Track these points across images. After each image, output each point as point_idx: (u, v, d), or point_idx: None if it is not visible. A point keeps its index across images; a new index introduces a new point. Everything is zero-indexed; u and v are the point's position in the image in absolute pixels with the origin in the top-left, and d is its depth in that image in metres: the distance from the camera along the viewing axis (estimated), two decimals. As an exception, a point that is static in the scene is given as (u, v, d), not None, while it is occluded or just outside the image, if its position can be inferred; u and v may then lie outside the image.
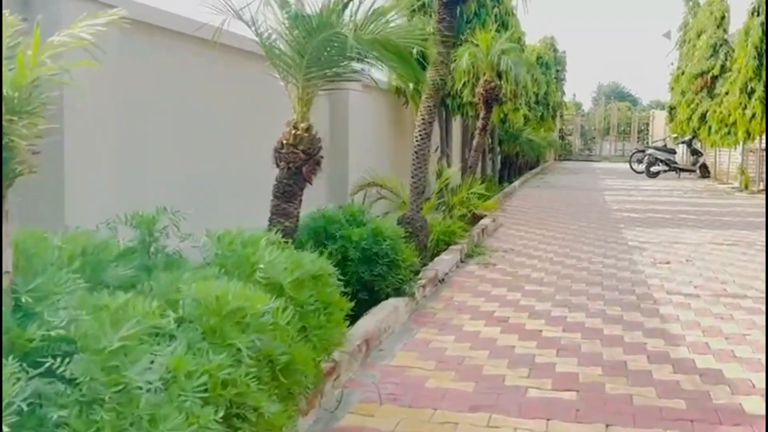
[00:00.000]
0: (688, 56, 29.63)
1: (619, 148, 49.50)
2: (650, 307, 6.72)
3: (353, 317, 5.56)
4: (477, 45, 11.18)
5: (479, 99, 11.03)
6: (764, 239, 10.88)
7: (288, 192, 4.64)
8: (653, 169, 28.16)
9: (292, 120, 4.76)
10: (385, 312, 5.60)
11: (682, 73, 29.36)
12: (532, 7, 28.02)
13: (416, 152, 7.44)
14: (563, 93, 39.09)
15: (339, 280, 5.78)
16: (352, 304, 5.50)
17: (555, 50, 34.04)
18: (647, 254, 9.73)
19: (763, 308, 6.62)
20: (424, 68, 12.77)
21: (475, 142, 11.23)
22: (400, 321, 5.86)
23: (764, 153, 20.81)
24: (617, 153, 48.27)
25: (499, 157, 22.89)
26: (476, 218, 11.56)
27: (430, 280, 6.97)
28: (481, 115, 11.15)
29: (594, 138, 52.18)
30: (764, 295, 7.15)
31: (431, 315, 6.23)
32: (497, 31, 12.93)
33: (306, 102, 4.63)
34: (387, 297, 5.98)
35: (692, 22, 30.13)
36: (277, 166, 4.75)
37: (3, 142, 1.98)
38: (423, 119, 7.41)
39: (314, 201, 10.00)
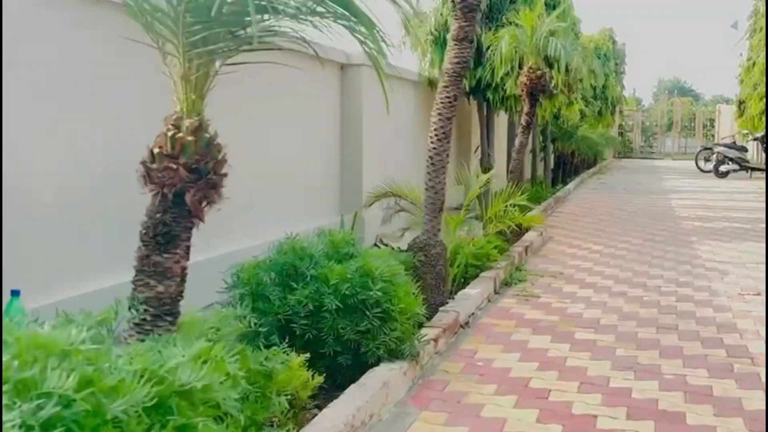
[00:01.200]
0: (759, 46, 27.27)
1: (682, 145, 46.87)
2: (748, 369, 4.90)
3: (327, 392, 3.92)
4: (520, 26, 9.37)
5: (522, 90, 9.22)
6: None
7: (163, 235, 2.89)
8: (722, 168, 25.86)
9: (171, 114, 3.00)
10: (369, 392, 3.89)
11: (753, 64, 27.00)
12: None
13: (431, 157, 5.73)
14: (623, 87, 36.83)
15: (308, 340, 4.17)
16: (320, 379, 3.88)
17: (614, 42, 31.81)
18: (730, 280, 7.85)
19: None
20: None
21: (517, 142, 9.42)
22: (394, 400, 4.15)
23: None
24: (680, 150, 45.66)
25: (552, 157, 20.99)
26: (520, 232, 9.78)
27: (447, 328, 5.23)
28: (525, 109, 9.34)
29: (655, 134, 49.61)
30: None
31: (441, 386, 4.50)
32: (546, 12, 11.13)
33: (195, 85, 2.90)
34: (378, 361, 4.28)
35: (763, 10, 27.73)
36: (148, 189, 2.97)
37: None
38: (440, 114, 5.69)
39: (324, 214, 8.60)
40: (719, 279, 7.89)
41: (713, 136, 42.57)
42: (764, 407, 4.16)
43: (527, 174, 18.54)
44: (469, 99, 12.20)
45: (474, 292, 6.26)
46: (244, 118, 6.62)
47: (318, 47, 4.13)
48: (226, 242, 6.18)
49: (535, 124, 17.73)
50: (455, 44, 5.60)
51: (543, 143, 19.12)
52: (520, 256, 8.42)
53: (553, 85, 12.24)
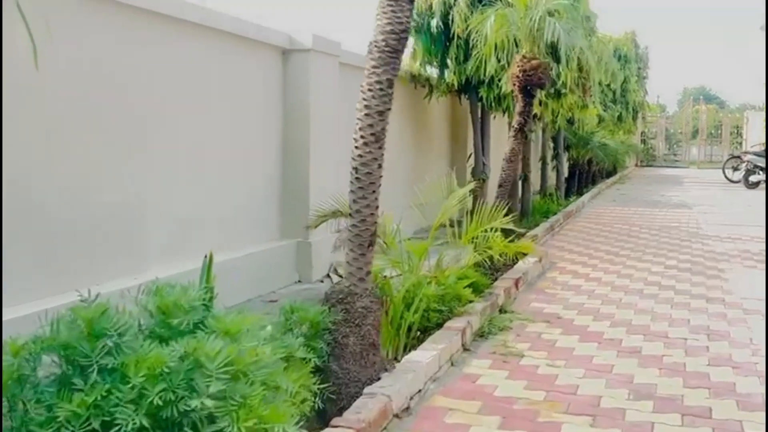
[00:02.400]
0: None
1: (708, 153, 44.71)
2: None
3: None
4: (512, 5, 7.60)
5: (513, 84, 7.43)
6: None
7: None
8: (752, 178, 23.88)
9: None
10: None
11: (784, 68, 25.08)
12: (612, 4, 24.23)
13: (356, 169, 4.01)
14: (645, 92, 34.91)
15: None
16: None
17: (636, 45, 29.90)
18: (777, 329, 6.06)
19: None
20: (449, 41, 9.35)
21: (508, 149, 7.60)
22: None
23: None
24: (706, 158, 43.53)
25: (567, 166, 19.18)
26: (513, 259, 8.06)
27: (364, 429, 3.48)
28: (517, 109, 7.53)
29: (680, 142, 47.52)
30: None
31: None
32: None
33: None
34: None
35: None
36: None
37: None
38: (367, 108, 3.97)
39: (258, 238, 6.57)
40: (762, 326, 6.09)
41: (740, 144, 40.49)
42: None
43: (536, 185, 16.77)
44: (460, 98, 10.47)
45: (425, 358, 4.50)
46: (146, 111, 4.98)
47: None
48: (94, 280, 4.48)
49: (548, 130, 15.95)
50: (388, 4, 3.86)
51: (555, 151, 17.34)
52: (508, 293, 6.66)
53: (561, 82, 10.56)
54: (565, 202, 16.28)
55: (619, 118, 24.38)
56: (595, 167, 22.46)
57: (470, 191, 9.71)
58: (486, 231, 6.16)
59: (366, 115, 3.93)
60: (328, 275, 6.91)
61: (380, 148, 3.94)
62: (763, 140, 29.17)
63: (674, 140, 49.41)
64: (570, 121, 18.48)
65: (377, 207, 4.11)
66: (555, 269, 8.55)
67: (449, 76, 9.43)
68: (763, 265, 8.93)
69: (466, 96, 10.24)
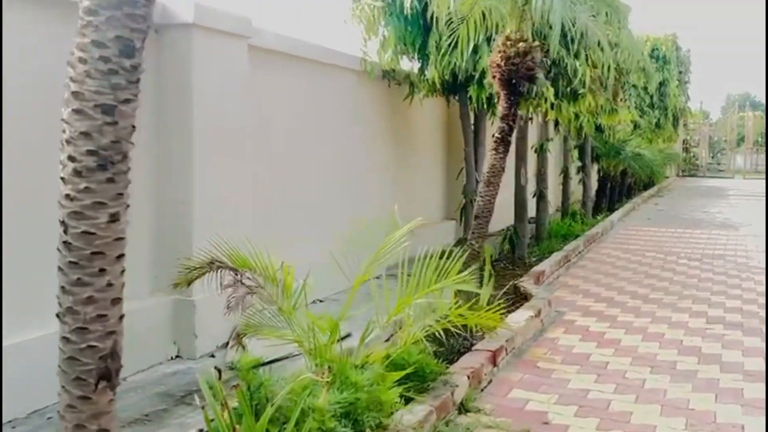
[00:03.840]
0: None
1: (754, 162, 41.93)
2: None
3: None
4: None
5: (494, 76, 5.29)
6: None
7: None
8: (806, 191, 21.44)
9: None
10: None
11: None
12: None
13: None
14: (687, 98, 32.49)
15: None
16: None
17: (677, 48, 27.55)
18: None
19: None
20: (428, 30, 7.31)
21: (486, 165, 5.42)
22: None
23: None
24: (752, 168, 40.80)
25: (596, 178, 17.00)
26: (511, 303, 6.07)
27: None
28: (500, 110, 5.37)
29: (724, 150, 44.83)
30: None
31: None
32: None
33: None
34: None
35: None
36: None
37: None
38: (79, 99, 1.92)
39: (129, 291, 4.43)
40: None
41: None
42: None
43: (556, 202, 14.62)
44: (448, 98, 8.40)
45: None
46: None
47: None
48: None
49: (570, 139, 13.78)
50: None
51: (582, 162, 15.17)
52: (476, 377, 4.58)
53: (578, 80, 8.53)
54: (591, 221, 14.12)
55: (657, 124, 22.11)
56: (631, 179, 20.24)
57: (459, 214, 7.66)
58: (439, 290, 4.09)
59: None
60: (226, 345, 4.87)
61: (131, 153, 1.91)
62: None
63: (718, 148, 46.78)
64: (599, 128, 16.36)
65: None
66: (560, 324, 6.45)
67: (431, 70, 7.39)
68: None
69: (456, 96, 8.17)
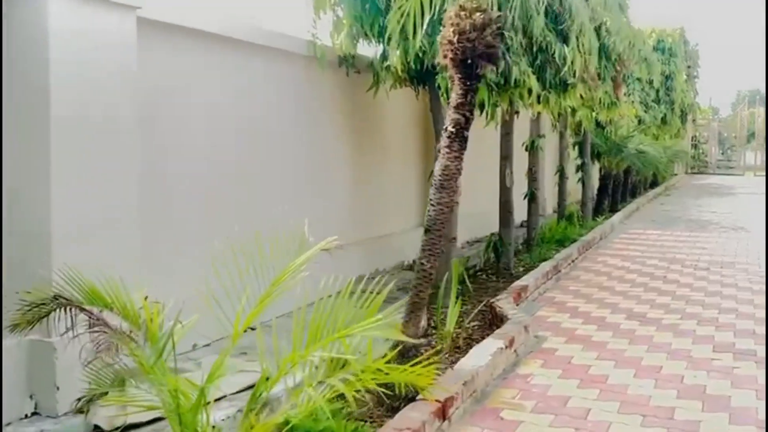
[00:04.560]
0: None
1: (764, 159, 40.70)
2: None
3: None
4: None
5: (444, 56, 4.22)
6: None
7: None
8: (821, 190, 20.32)
9: None
10: None
11: None
12: None
13: None
14: (696, 93, 31.36)
15: None
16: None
17: (686, 42, 26.46)
18: None
19: None
20: (388, 9, 6.26)
21: (437, 167, 4.32)
22: None
23: None
24: (762, 164, 39.56)
25: (598, 177, 15.96)
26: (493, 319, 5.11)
27: None
28: (453, 98, 4.29)
29: (734, 147, 43.62)
30: None
31: None
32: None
33: None
34: None
35: None
36: None
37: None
38: None
39: None
40: None
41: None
42: None
43: (554, 203, 13.57)
44: (417, 89, 7.39)
45: None
46: None
47: None
48: None
49: (566, 135, 12.72)
50: None
51: (582, 160, 14.12)
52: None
53: (567, 67, 7.56)
54: (591, 223, 13.08)
55: (663, 120, 21.01)
56: (635, 177, 19.18)
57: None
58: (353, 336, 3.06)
59: None
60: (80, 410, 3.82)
61: None
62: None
63: (728, 145, 45.63)
64: (599, 124, 15.32)
65: None
66: (538, 354, 5.42)
67: (393, 56, 6.36)
68: None
69: (425, 86, 7.13)
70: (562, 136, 12.53)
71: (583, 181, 14.03)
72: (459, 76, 4.18)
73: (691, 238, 12.14)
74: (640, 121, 18.57)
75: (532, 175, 10.58)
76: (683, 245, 11.27)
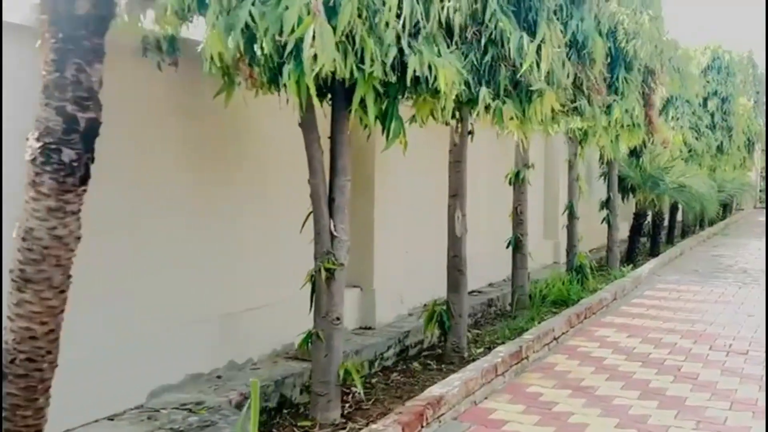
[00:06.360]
0: None
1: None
2: None
3: None
4: None
5: None
6: None
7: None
8: None
9: None
10: None
11: None
12: None
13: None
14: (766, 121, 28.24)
15: None
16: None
17: (754, 66, 23.57)
18: None
19: None
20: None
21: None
22: None
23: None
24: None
25: (631, 215, 13.34)
26: None
27: None
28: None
29: (810, 180, 40.02)
30: None
31: None
32: None
33: None
34: None
35: None
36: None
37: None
38: None
39: None
40: None
41: None
42: None
43: (561, 252, 10.98)
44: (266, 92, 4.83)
45: None
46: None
47: None
48: None
49: (576, 165, 10.09)
50: None
51: (607, 195, 11.56)
52: None
53: (527, 66, 5.28)
54: (616, 273, 10.49)
55: (720, 148, 18.13)
56: (685, 216, 16.43)
57: (311, 291, 4.51)
58: None
59: None
60: None
61: None
62: None
63: (804, 178, 42.09)
64: (634, 153, 12.73)
65: None
66: None
67: (208, 37, 3.93)
68: None
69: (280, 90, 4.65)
70: (571, 166, 9.96)
71: (608, 221, 11.42)
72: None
73: (737, 297, 9.39)
74: (690, 150, 15.83)
75: (518, 217, 8.11)
76: (723, 309, 8.56)
